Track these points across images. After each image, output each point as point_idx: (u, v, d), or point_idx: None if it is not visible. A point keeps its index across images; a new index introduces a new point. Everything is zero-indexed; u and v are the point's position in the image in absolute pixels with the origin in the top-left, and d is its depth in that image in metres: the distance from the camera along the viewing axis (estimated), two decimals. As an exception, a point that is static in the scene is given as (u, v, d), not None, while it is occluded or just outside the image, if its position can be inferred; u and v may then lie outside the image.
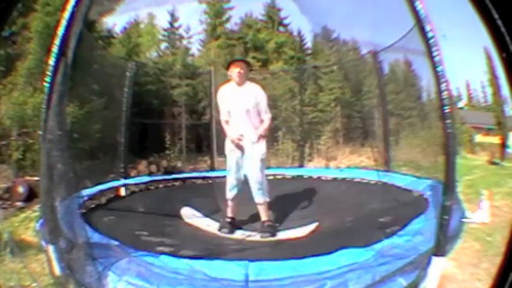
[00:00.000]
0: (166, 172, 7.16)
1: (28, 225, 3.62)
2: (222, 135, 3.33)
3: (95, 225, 2.39)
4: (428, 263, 1.54)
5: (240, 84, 3.13)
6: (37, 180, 4.33)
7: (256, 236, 2.97)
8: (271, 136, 8.37)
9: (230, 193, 3.19)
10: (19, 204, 4.68)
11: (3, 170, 5.73)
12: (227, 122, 3.18)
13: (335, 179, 4.72)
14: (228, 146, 3.20)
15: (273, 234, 3.00)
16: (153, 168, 7.82)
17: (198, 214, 3.46)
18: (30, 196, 4.78)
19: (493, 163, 9.04)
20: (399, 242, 1.84)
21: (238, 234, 3.07)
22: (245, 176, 3.15)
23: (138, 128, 6.34)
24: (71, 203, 1.98)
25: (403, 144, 7.19)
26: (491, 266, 2.12)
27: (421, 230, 1.93)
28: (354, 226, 2.65)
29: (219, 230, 3.14)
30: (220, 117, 3.25)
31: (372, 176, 4.41)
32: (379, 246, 1.80)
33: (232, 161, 3.17)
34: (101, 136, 6.12)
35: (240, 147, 3.10)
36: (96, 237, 2.09)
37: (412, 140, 7.17)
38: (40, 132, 1.67)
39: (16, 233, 3.33)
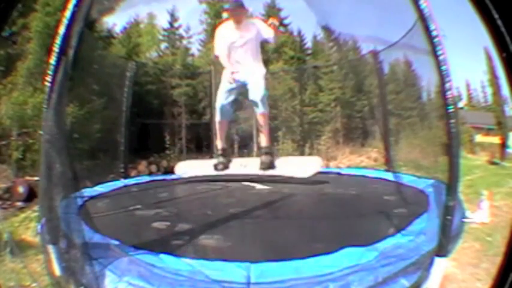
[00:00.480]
0: (167, 172, 7.16)
1: (28, 225, 3.63)
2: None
3: (94, 224, 2.37)
4: (431, 263, 1.54)
5: (238, 23, 3.12)
6: (37, 180, 4.33)
7: (252, 168, 2.97)
8: (271, 136, 8.37)
9: (219, 115, 3.19)
10: (19, 204, 4.68)
11: (3, 170, 5.74)
12: (223, 56, 3.15)
13: (338, 173, 4.74)
14: (226, 73, 3.17)
15: (271, 166, 3.05)
16: (153, 168, 7.83)
17: (193, 163, 3.47)
18: (30, 196, 4.78)
19: (493, 163, 9.05)
20: (402, 242, 1.83)
21: (235, 166, 3.08)
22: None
23: (138, 128, 6.34)
24: (70, 203, 1.98)
25: (403, 144, 7.19)
26: (491, 266, 2.13)
27: (423, 230, 1.93)
28: (356, 222, 2.62)
29: (215, 168, 3.17)
30: (215, 53, 3.25)
31: (373, 174, 4.42)
32: (382, 246, 1.79)
33: (225, 83, 3.14)
34: (101, 136, 6.13)
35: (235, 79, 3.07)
36: (95, 237, 2.08)
37: (412, 140, 7.18)
38: (41, 132, 1.67)
39: (16, 233, 3.33)
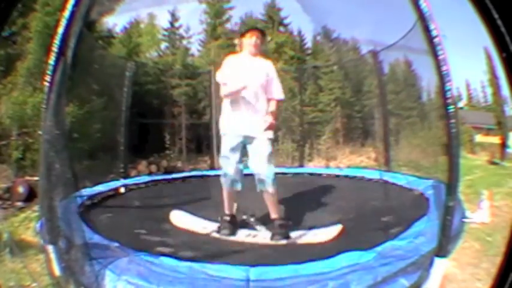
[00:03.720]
0: (167, 172, 7.15)
1: (28, 225, 3.62)
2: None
3: (94, 224, 2.37)
4: (431, 263, 1.54)
5: (254, 55, 2.69)
6: (37, 180, 4.33)
7: (264, 238, 2.52)
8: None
9: (227, 185, 2.67)
10: (19, 204, 4.68)
11: (3, 170, 5.74)
12: (223, 86, 2.65)
13: (337, 176, 4.72)
14: (226, 123, 2.67)
15: (286, 237, 2.49)
16: (153, 168, 7.82)
17: (190, 216, 2.97)
18: (30, 196, 4.78)
19: (493, 163, 9.04)
20: (401, 244, 1.84)
21: (242, 236, 2.59)
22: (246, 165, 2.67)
23: (138, 128, 6.33)
24: (70, 203, 1.98)
25: (403, 144, 7.19)
26: (491, 266, 2.12)
27: (423, 231, 1.93)
28: (356, 227, 2.61)
29: (218, 232, 2.65)
30: (217, 79, 2.71)
31: (372, 175, 4.42)
32: (380, 248, 1.79)
33: (228, 145, 2.62)
34: (101, 136, 6.13)
35: (239, 96, 2.55)
36: (95, 237, 2.08)
37: (412, 140, 7.17)
38: (40, 132, 1.67)
39: (16, 233, 3.33)
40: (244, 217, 2.81)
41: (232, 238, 2.57)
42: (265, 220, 2.70)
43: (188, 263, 1.74)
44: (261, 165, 2.55)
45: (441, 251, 1.54)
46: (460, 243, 2.18)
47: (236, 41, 2.79)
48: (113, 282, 1.59)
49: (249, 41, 2.67)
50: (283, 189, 3.21)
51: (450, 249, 1.65)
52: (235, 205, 2.78)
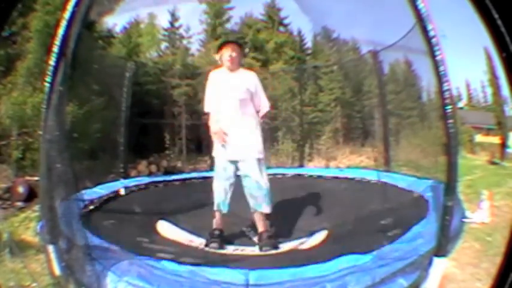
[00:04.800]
0: (167, 172, 7.16)
1: (28, 225, 3.62)
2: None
3: (95, 228, 2.37)
4: (430, 263, 1.54)
5: (232, 70, 2.64)
6: (37, 180, 4.33)
7: (252, 250, 2.56)
8: (271, 136, 8.38)
9: (215, 207, 2.68)
10: (19, 204, 4.68)
11: (3, 170, 5.73)
12: (211, 114, 2.65)
13: (336, 177, 4.71)
14: (216, 147, 2.68)
15: (275, 247, 2.54)
16: (153, 168, 7.83)
17: (176, 229, 2.95)
18: (30, 196, 4.77)
19: (493, 163, 9.05)
20: (399, 246, 1.84)
21: (230, 250, 2.59)
22: (237, 180, 2.68)
23: (138, 128, 6.34)
24: (70, 204, 1.98)
25: (403, 144, 7.20)
26: (491, 266, 2.13)
27: (421, 234, 1.93)
28: (355, 230, 2.61)
29: (206, 245, 2.61)
30: (204, 108, 2.72)
31: (372, 176, 4.41)
32: (378, 250, 1.80)
33: (220, 165, 2.65)
34: (101, 136, 6.12)
35: (224, 141, 2.56)
36: (96, 240, 2.08)
37: (412, 140, 7.18)
38: (40, 132, 1.67)
39: (16, 233, 3.33)
40: (244, 229, 2.85)
41: (221, 251, 2.55)
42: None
43: (189, 266, 1.74)
44: (252, 186, 2.58)
45: (440, 250, 1.54)
46: (460, 243, 2.18)
47: (216, 57, 2.74)
48: (113, 283, 1.60)
49: (225, 56, 2.62)
50: (280, 192, 3.24)
51: (450, 249, 1.65)
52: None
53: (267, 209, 2.60)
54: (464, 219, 2.40)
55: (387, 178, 4.04)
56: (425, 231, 1.94)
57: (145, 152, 8.06)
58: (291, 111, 8.85)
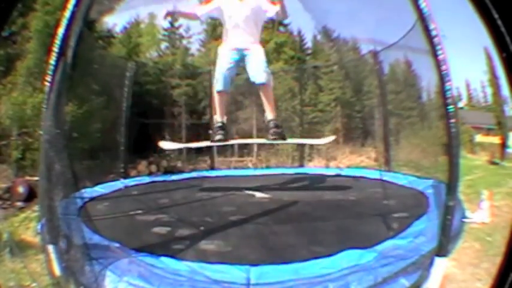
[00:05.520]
0: (167, 172, 7.15)
1: (28, 225, 3.63)
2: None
3: (93, 225, 2.37)
4: (431, 263, 1.54)
5: None
6: (37, 180, 4.32)
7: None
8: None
9: (220, 84, 2.96)
10: (19, 204, 4.68)
11: (3, 170, 5.74)
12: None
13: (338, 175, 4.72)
14: (222, 44, 3.05)
15: (282, 137, 2.88)
16: (153, 168, 7.84)
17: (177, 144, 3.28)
18: (30, 196, 4.77)
19: (493, 163, 9.06)
20: (401, 243, 1.83)
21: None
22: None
23: (138, 128, 6.33)
24: (70, 203, 1.98)
25: (403, 144, 7.20)
26: (491, 266, 2.13)
27: (423, 231, 1.92)
28: (355, 225, 2.61)
29: (212, 140, 2.95)
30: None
31: (372, 175, 4.41)
32: (381, 248, 1.79)
33: (225, 55, 2.98)
34: (101, 136, 6.12)
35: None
36: (95, 237, 2.08)
37: (412, 140, 7.18)
38: (40, 132, 1.67)
39: (16, 233, 3.33)
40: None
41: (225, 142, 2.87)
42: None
43: (189, 266, 1.74)
44: (258, 68, 2.91)
45: (441, 250, 1.54)
46: (460, 243, 2.18)
47: None
48: (113, 283, 1.59)
49: None
50: (281, 190, 3.25)
51: (450, 249, 1.65)
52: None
53: (263, 78, 2.89)
54: (464, 219, 2.40)
55: (388, 177, 4.04)
56: (426, 228, 1.93)
57: (145, 152, 8.06)
58: (291, 111, 8.84)
